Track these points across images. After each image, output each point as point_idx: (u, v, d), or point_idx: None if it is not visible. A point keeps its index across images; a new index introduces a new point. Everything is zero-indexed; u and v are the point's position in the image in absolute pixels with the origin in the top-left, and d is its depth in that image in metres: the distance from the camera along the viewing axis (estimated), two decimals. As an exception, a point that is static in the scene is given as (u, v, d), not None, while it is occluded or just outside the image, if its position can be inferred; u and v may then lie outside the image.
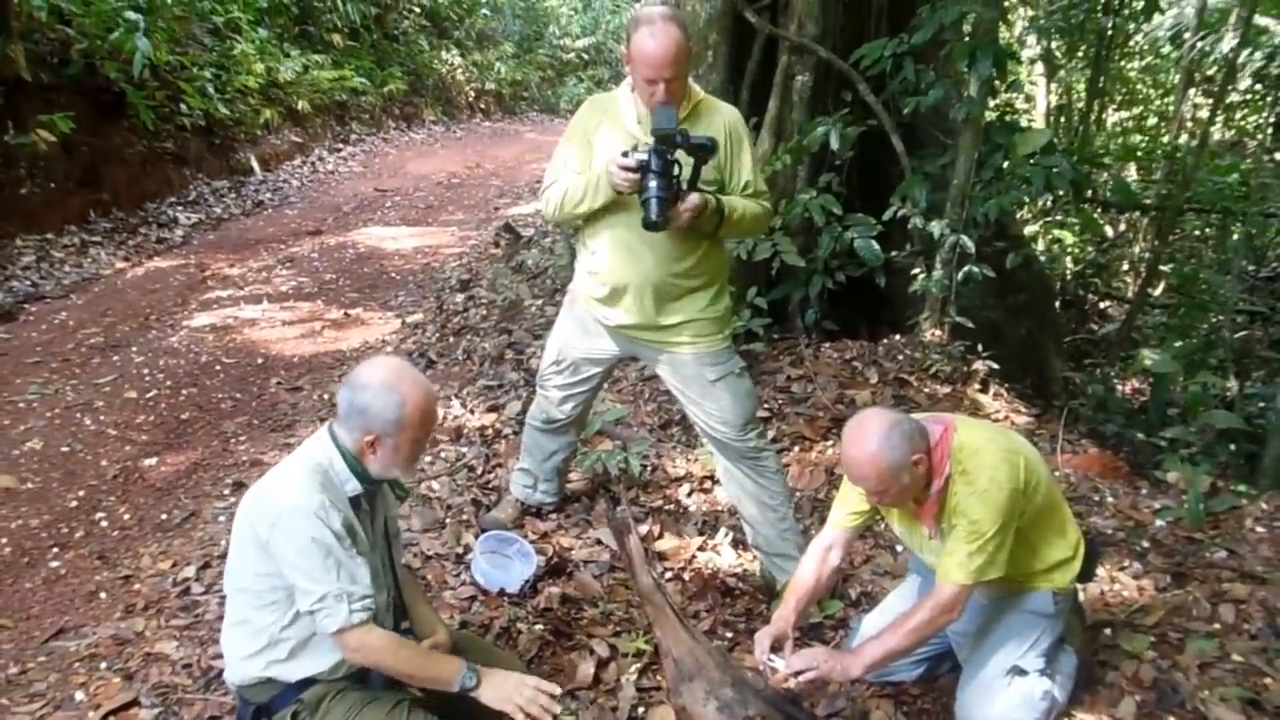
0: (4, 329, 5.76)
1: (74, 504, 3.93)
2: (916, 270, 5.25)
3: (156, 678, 2.81)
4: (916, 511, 2.64)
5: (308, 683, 2.30)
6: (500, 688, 2.27)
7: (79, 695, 2.76)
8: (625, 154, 2.76)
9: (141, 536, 3.73)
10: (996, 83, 5.04)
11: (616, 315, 3.10)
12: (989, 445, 2.55)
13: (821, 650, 2.71)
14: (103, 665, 2.90)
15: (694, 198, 2.81)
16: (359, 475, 2.25)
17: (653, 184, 2.71)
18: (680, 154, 2.76)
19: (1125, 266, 9.64)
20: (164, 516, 3.88)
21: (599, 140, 2.97)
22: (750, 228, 3.14)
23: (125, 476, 4.18)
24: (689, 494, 4.07)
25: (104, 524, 3.82)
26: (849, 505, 2.79)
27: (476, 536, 3.54)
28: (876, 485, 2.48)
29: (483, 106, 17.21)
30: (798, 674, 2.59)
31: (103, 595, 3.33)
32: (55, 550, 3.62)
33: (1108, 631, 3.16)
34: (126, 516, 3.88)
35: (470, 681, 2.26)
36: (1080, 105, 9.41)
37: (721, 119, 2.98)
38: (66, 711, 2.69)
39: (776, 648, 2.69)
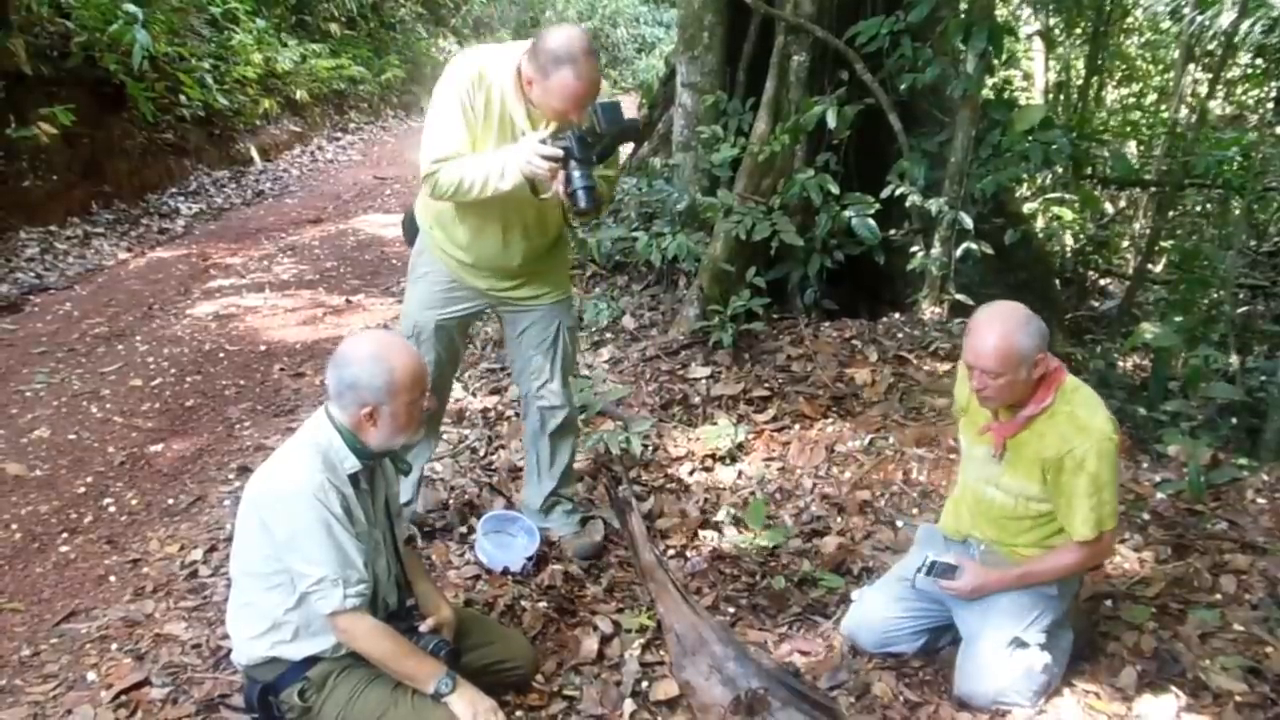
0: (9, 320, 5.78)
1: (82, 490, 3.96)
2: (915, 248, 5.26)
3: (166, 658, 2.84)
4: (994, 426, 2.66)
5: (312, 661, 2.34)
6: (471, 704, 2.30)
7: (90, 675, 2.79)
8: (544, 141, 2.66)
9: (149, 521, 3.76)
10: (994, 60, 5.03)
11: (484, 282, 3.13)
12: (1097, 402, 2.59)
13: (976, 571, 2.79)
14: (113, 646, 2.93)
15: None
16: (357, 452, 2.28)
17: (577, 173, 2.65)
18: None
19: (1125, 243, 9.63)
20: (171, 501, 3.91)
21: (483, 133, 2.82)
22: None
23: (132, 463, 4.21)
24: (690, 472, 4.10)
25: (112, 509, 3.85)
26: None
27: (479, 517, 3.56)
28: (996, 365, 2.47)
29: (481, 93, 17.18)
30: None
31: (112, 579, 3.36)
32: (65, 535, 3.65)
33: (1109, 603, 3.19)
34: (134, 502, 3.91)
35: (445, 687, 2.30)
36: (1079, 82, 9.37)
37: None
38: (79, 691, 2.73)
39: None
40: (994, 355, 2.45)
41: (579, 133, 2.66)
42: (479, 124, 2.81)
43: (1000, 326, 2.47)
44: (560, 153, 2.64)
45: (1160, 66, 10.63)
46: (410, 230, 3.26)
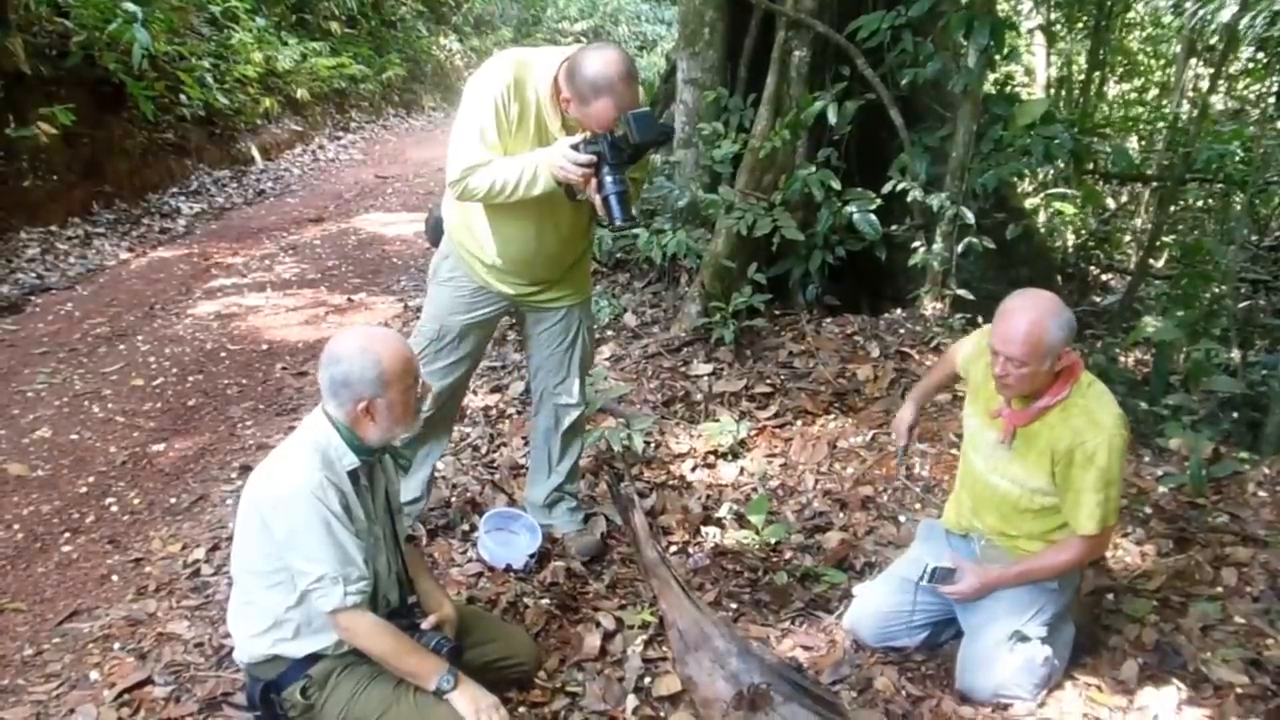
0: (11, 321, 5.79)
1: (84, 490, 3.97)
2: (916, 244, 5.25)
3: (169, 657, 2.85)
4: (1006, 413, 2.64)
5: (314, 658, 2.34)
6: (473, 700, 2.31)
7: (93, 675, 2.80)
8: (576, 147, 2.59)
9: (151, 520, 3.77)
10: (995, 54, 5.03)
11: (510, 287, 3.09)
12: (1110, 398, 2.57)
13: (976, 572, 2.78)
14: (116, 645, 2.93)
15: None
16: (356, 449, 2.28)
17: (609, 179, 2.57)
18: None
19: (1127, 238, 9.62)
20: (173, 500, 3.91)
21: (516, 139, 2.75)
22: None
23: (134, 462, 4.22)
24: (692, 469, 4.10)
25: (114, 509, 3.85)
26: (960, 368, 2.90)
27: (481, 514, 3.57)
28: (1024, 354, 2.43)
29: (482, 91, 17.17)
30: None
31: (114, 578, 3.37)
32: (67, 535, 3.65)
33: (1110, 596, 3.19)
34: (136, 501, 3.91)
35: (447, 684, 2.30)
36: (1080, 77, 9.36)
37: None
38: (82, 690, 2.73)
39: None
40: (1023, 343, 2.41)
41: (611, 138, 2.60)
42: (512, 130, 2.75)
43: (1034, 314, 2.43)
44: (592, 158, 2.59)
45: (1162, 61, 10.61)
46: (435, 232, 3.24)
